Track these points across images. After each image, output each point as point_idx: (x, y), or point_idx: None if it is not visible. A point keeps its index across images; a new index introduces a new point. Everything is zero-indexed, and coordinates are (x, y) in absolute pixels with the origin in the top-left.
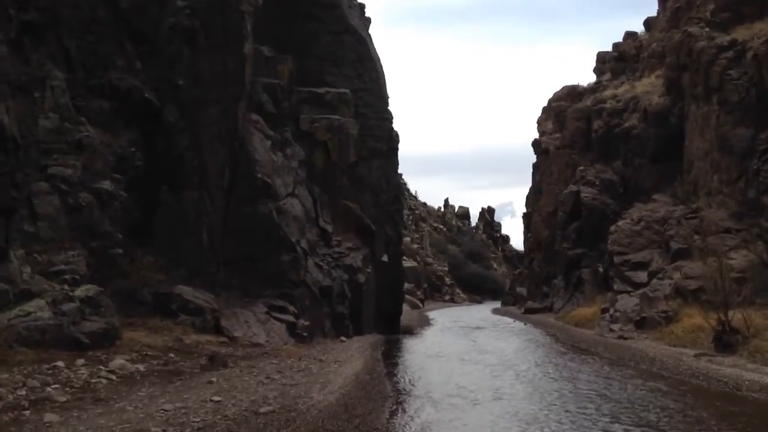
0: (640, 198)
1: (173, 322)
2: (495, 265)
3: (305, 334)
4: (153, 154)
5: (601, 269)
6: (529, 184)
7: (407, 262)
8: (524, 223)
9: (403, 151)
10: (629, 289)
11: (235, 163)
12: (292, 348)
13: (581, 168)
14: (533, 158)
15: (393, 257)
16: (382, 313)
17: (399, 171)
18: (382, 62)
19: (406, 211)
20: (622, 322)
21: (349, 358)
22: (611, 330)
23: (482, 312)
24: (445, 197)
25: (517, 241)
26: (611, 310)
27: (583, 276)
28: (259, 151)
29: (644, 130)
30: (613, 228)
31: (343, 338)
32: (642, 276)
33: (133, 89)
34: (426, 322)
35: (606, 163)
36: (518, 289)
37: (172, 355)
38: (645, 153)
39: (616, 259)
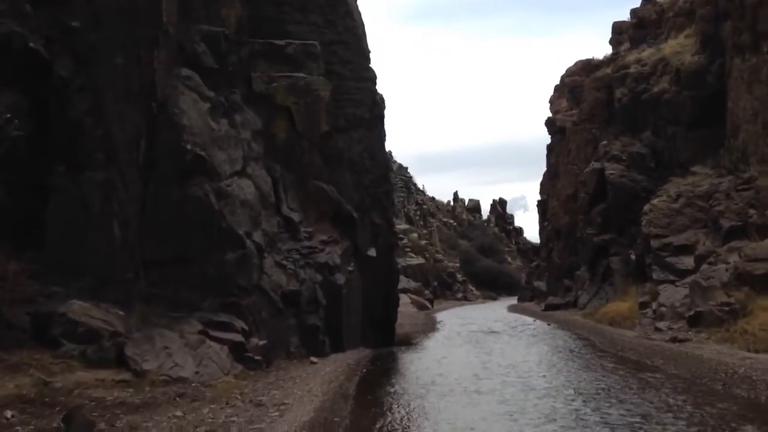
0: (676, 171)
1: (52, 355)
2: (509, 259)
3: (258, 357)
4: (41, 123)
5: (633, 256)
6: (542, 177)
7: (414, 260)
8: (539, 211)
9: (409, 149)
10: (672, 277)
11: (153, 131)
12: (230, 381)
13: (604, 143)
14: (544, 151)
15: (383, 251)
16: (371, 320)
17: (404, 165)
18: (360, 10)
19: (413, 207)
20: (670, 318)
21: (304, 395)
22: (657, 329)
23: (497, 310)
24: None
25: (532, 235)
26: (653, 305)
27: (612, 265)
28: (190, 115)
29: (677, 94)
30: (647, 207)
31: (313, 359)
32: (687, 261)
33: (13, 37)
34: (431, 327)
35: (633, 134)
36: (536, 284)
37: (11, 414)
38: (679, 120)
39: (654, 243)
